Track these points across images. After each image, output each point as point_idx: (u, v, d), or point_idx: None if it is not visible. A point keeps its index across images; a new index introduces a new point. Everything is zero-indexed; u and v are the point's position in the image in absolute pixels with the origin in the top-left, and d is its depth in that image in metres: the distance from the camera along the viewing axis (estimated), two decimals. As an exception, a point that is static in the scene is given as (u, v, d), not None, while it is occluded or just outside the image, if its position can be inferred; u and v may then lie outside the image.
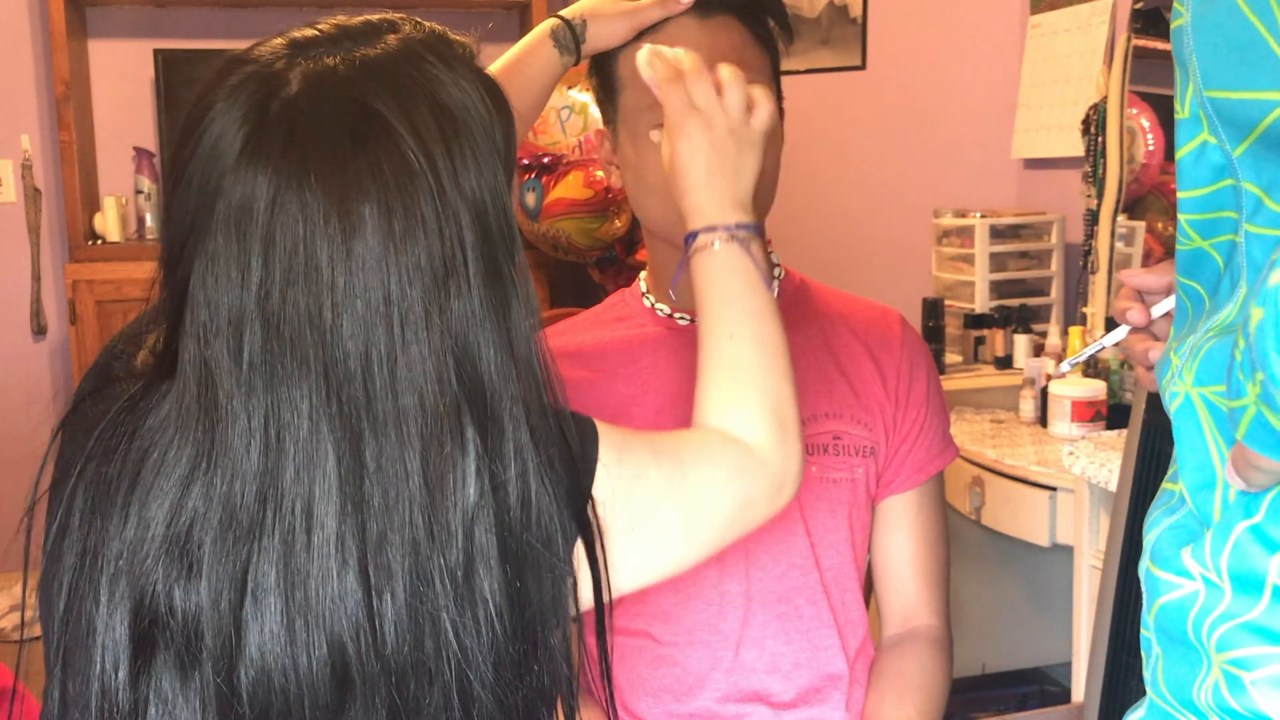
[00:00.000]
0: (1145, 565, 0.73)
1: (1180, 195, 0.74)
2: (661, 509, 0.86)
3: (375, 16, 0.83)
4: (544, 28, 1.19)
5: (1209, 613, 0.67)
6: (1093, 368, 2.51)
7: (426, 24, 0.85)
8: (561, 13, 1.20)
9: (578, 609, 0.82)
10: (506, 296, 0.79)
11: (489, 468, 0.76)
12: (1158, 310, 0.90)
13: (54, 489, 0.81)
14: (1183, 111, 0.72)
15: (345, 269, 0.75)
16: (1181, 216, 0.74)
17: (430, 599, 0.75)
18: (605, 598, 0.82)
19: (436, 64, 0.80)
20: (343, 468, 0.74)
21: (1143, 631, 0.74)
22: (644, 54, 1.04)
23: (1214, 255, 0.73)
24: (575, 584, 0.81)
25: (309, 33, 0.81)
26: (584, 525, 0.81)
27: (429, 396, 0.75)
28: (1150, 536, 0.73)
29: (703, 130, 0.98)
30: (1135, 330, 0.91)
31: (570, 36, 1.19)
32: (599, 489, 0.83)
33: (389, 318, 0.75)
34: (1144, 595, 0.73)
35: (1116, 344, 0.95)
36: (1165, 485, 0.75)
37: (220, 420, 0.75)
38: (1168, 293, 0.90)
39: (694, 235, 0.98)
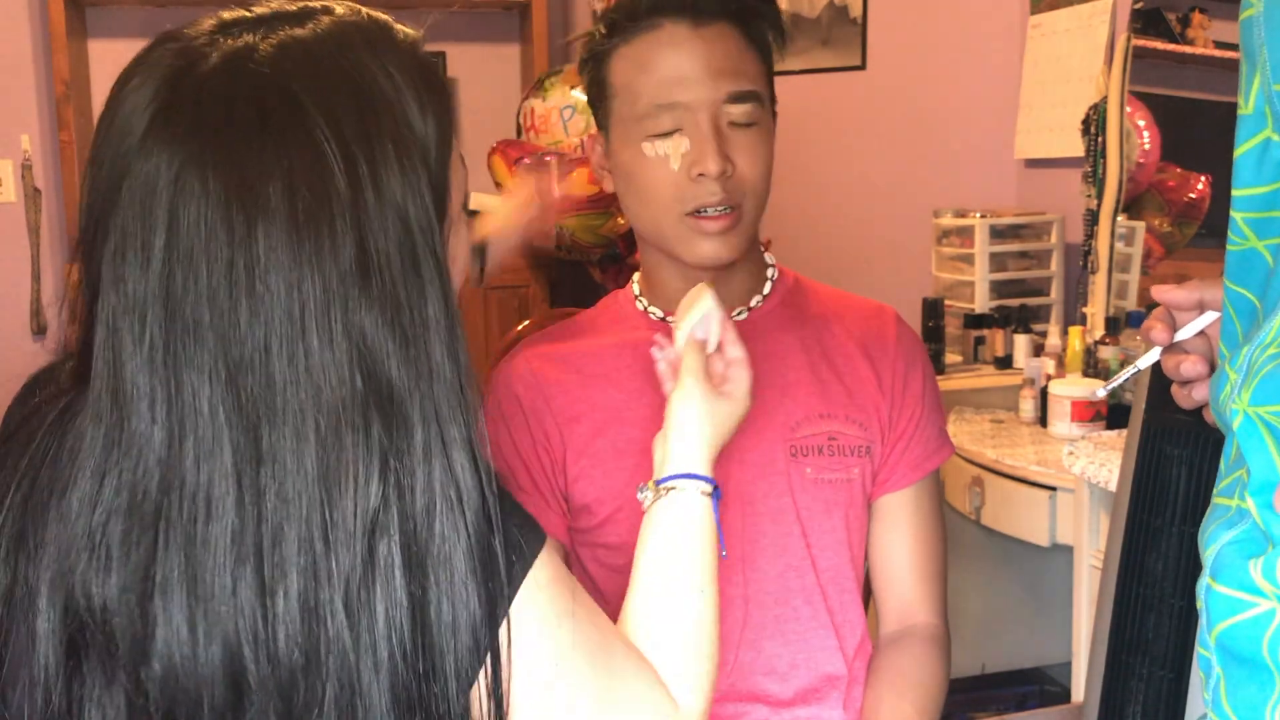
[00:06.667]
0: (1205, 583, 0.70)
1: (1236, 193, 0.71)
2: (565, 673, 0.82)
3: (316, 2, 0.81)
4: None
5: None
6: (1093, 368, 2.51)
7: (368, 11, 0.82)
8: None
9: (490, 640, 0.78)
10: (423, 296, 0.76)
11: (394, 470, 0.74)
12: (1186, 331, 0.90)
13: None
14: (1246, 107, 0.69)
15: (246, 251, 0.72)
16: (1236, 214, 0.71)
17: (323, 604, 0.73)
18: (504, 661, 0.79)
19: (365, 51, 0.78)
20: (240, 457, 0.72)
21: (1200, 650, 0.71)
22: (683, 331, 1.04)
23: (1266, 256, 0.71)
24: (484, 612, 0.77)
25: (240, 13, 0.80)
26: (487, 559, 0.77)
27: (328, 390, 0.73)
28: (1209, 553, 0.70)
29: (704, 393, 1.00)
30: (1167, 349, 0.91)
31: (478, 259, 1.29)
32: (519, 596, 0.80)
33: (289, 305, 0.73)
34: (1203, 614, 0.69)
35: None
36: (1218, 500, 0.72)
37: (126, 405, 0.73)
38: (1198, 309, 0.91)
39: (676, 477, 0.96)
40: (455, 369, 0.77)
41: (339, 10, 0.81)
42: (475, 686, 0.78)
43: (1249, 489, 0.67)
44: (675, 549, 0.93)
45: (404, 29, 0.83)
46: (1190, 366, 0.89)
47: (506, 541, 0.79)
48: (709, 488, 0.95)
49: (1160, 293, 0.91)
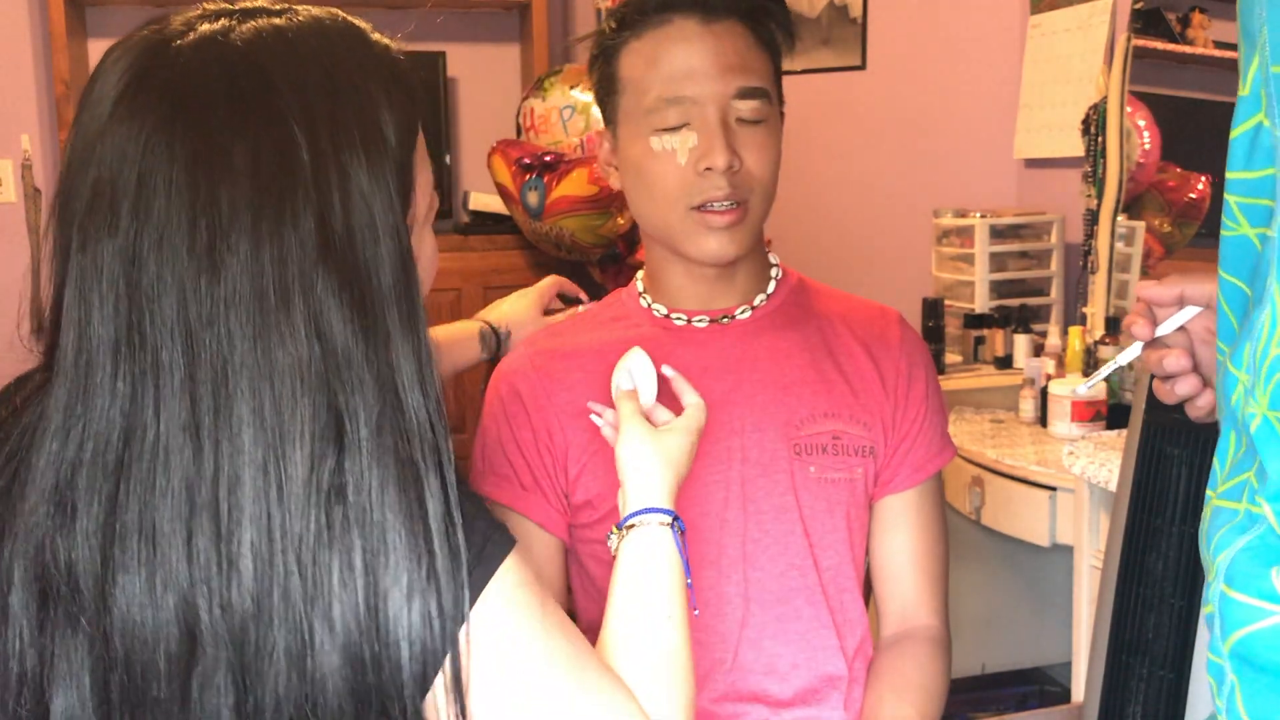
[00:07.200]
0: (1219, 589, 0.67)
1: (1230, 175, 0.70)
2: (533, 676, 0.82)
3: (299, 6, 0.85)
4: (473, 326, 1.33)
5: None
6: (1093, 368, 2.51)
7: (346, 15, 0.85)
8: (488, 318, 1.37)
9: (445, 619, 0.78)
10: (381, 270, 0.79)
11: (349, 433, 0.76)
12: (1167, 326, 0.91)
13: None
14: (1244, 88, 0.68)
15: (208, 213, 0.75)
16: (1230, 198, 0.71)
17: (276, 554, 0.75)
18: (463, 652, 0.79)
19: (338, 43, 0.82)
20: (198, 410, 0.75)
21: (1211, 657, 0.68)
22: (620, 373, 1.11)
23: (1257, 245, 0.70)
24: (445, 587, 0.78)
25: (223, 5, 0.83)
26: (445, 531, 0.78)
27: (283, 351, 0.75)
28: (1221, 558, 0.67)
29: (644, 432, 1.04)
30: (1147, 344, 0.91)
31: (494, 340, 1.34)
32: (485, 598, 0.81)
33: (249, 267, 0.75)
34: (1216, 621, 0.67)
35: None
36: (1221, 503, 0.70)
37: (91, 359, 0.76)
38: (1178, 304, 0.91)
39: (636, 514, 0.99)
40: (413, 345, 0.80)
41: (317, 12, 0.84)
42: (438, 678, 0.79)
43: (1266, 494, 0.65)
44: (640, 581, 0.95)
45: (380, 37, 0.86)
46: (1173, 361, 0.89)
47: (471, 530, 0.80)
48: (668, 518, 0.98)
49: (1141, 288, 0.91)
